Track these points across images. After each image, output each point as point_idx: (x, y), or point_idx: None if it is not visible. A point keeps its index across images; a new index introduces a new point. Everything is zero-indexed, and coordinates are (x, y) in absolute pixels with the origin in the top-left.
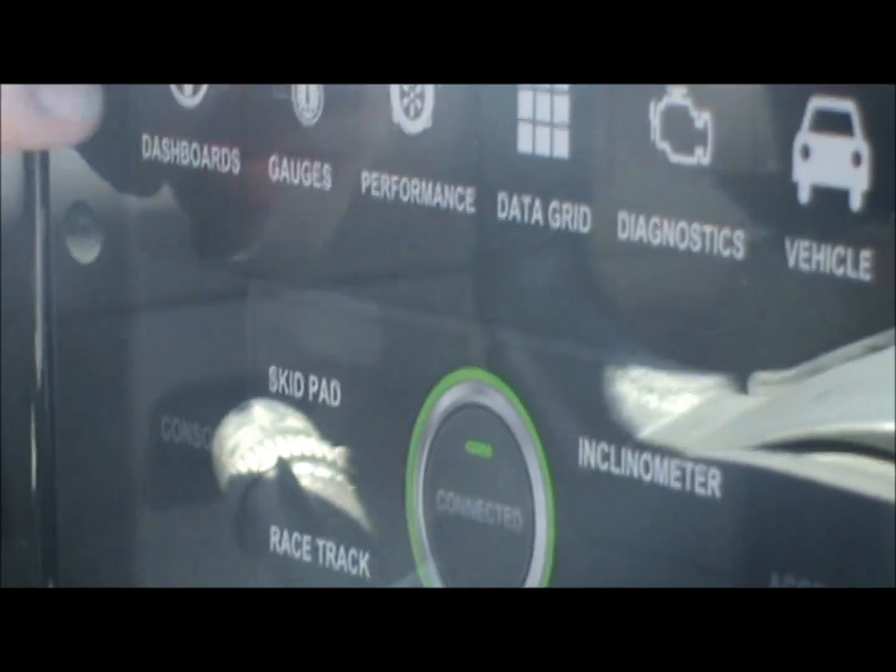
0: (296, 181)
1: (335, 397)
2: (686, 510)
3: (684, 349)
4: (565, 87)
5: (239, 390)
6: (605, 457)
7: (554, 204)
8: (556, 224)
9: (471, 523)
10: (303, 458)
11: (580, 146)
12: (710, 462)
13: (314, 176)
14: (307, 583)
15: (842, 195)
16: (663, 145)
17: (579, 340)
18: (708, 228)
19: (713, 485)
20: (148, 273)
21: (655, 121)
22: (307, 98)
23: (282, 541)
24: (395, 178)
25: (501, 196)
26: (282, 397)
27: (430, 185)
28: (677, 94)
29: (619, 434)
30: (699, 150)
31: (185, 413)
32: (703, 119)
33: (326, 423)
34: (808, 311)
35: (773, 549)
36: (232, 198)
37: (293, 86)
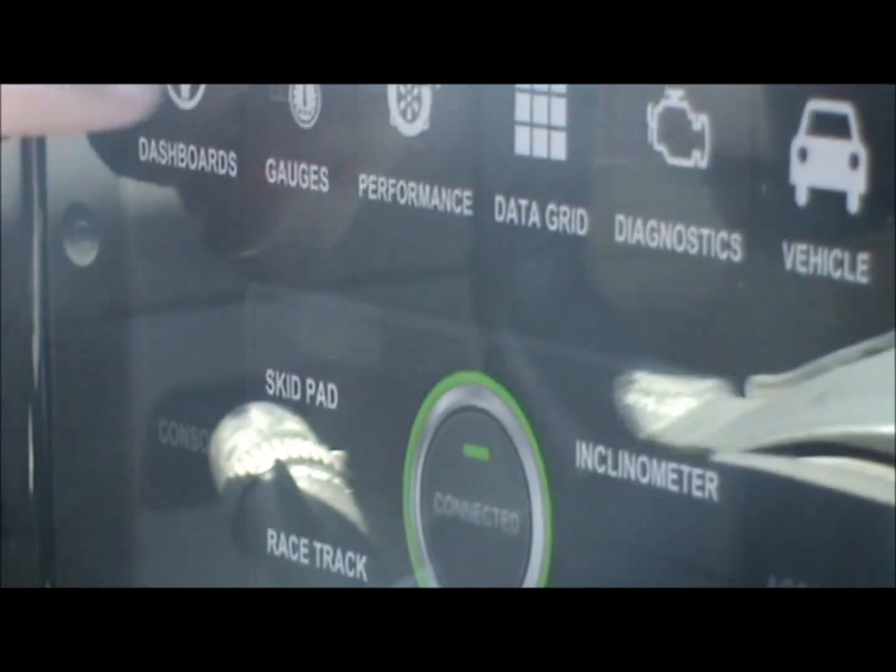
0: (293, 184)
1: (332, 400)
2: (683, 513)
3: (682, 352)
4: (562, 89)
5: (236, 393)
6: (602, 459)
7: (551, 206)
8: (553, 226)
9: (468, 526)
10: (300, 461)
11: (577, 149)
12: (707, 465)
13: (312, 178)
14: (304, 585)
15: (839, 198)
16: (661, 148)
17: (576, 343)
18: (705, 231)
19: (710, 487)
20: (145, 276)
21: (653, 123)
22: (304, 101)
23: (279, 544)
24: (392, 180)
25: (499, 198)
26: (279, 400)
27: (427, 188)
28: (675, 96)
29: (616, 437)
30: (696, 153)
31: (183, 416)
32: (700, 121)
33: (324, 426)
34: (806, 313)
35: (771, 552)
36: (229, 200)
37: (290, 89)
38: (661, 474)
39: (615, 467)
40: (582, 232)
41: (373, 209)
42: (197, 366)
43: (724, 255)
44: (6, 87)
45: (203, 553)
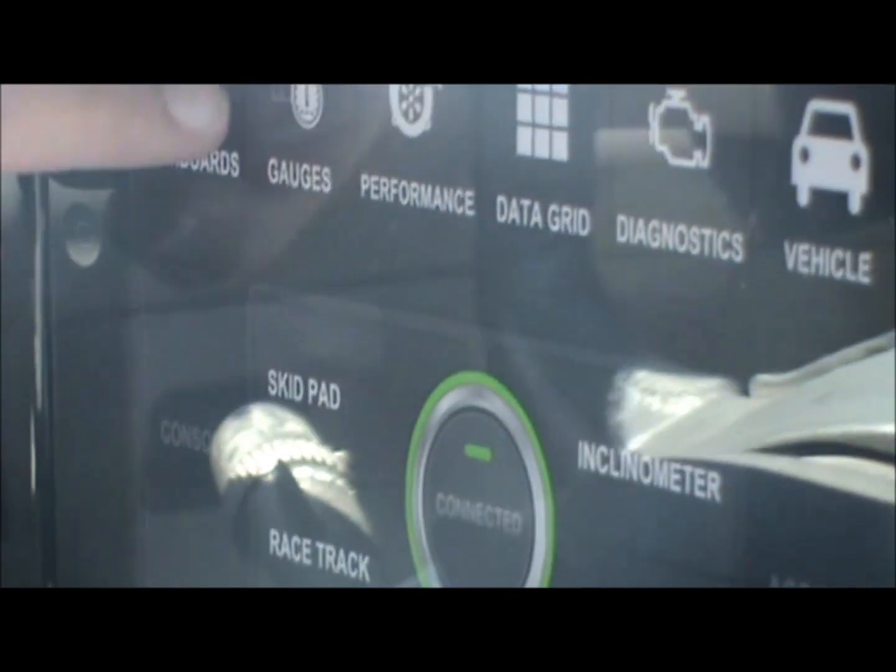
0: (295, 184)
1: (334, 401)
2: (686, 513)
3: (685, 352)
4: (564, 89)
5: (238, 394)
6: (605, 460)
7: (553, 207)
8: (555, 227)
9: (470, 527)
10: (302, 461)
11: (579, 149)
12: (710, 465)
13: (314, 179)
14: (307, 586)
15: (841, 198)
16: (662, 148)
17: (579, 344)
18: (707, 231)
19: (713, 488)
20: (147, 276)
21: (654, 123)
22: (306, 101)
23: (281, 544)
24: (394, 181)
25: (501, 199)
26: (281, 401)
27: (429, 188)
28: (676, 97)
29: (619, 437)
30: (698, 153)
31: (185, 417)
32: (702, 122)
33: (326, 427)
34: (808, 313)
35: (774, 552)
36: (230, 201)
37: (292, 89)
38: (664, 475)
39: (617, 468)
40: (584, 232)
41: (374, 210)
42: (199, 366)
43: (725, 256)
44: (65, 117)
45: (205, 554)
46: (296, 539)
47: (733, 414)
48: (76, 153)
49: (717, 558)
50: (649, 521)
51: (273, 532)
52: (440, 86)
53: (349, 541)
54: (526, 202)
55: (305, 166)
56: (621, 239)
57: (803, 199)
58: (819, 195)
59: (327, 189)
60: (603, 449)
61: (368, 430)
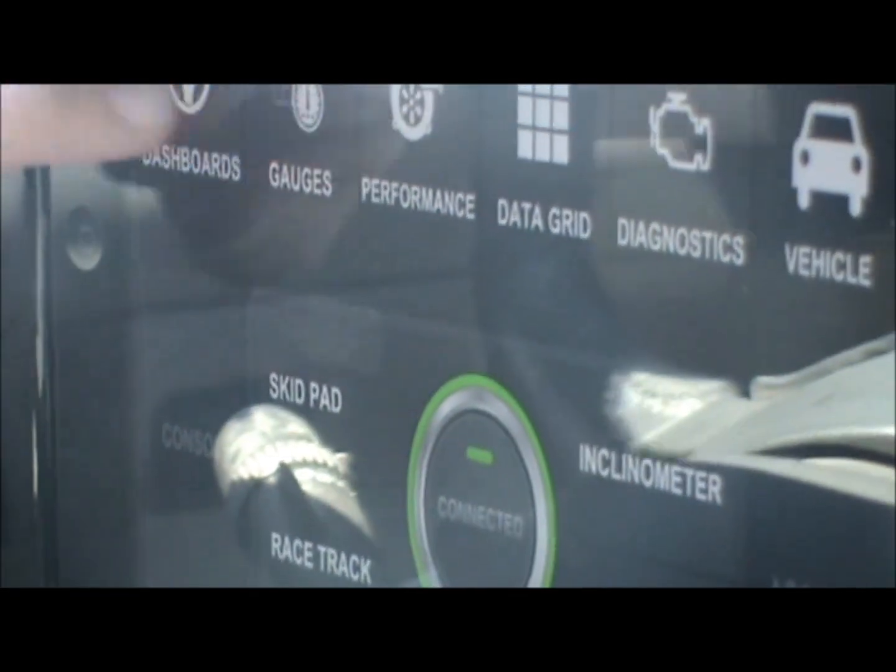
0: (296, 188)
1: (336, 404)
2: (687, 516)
3: (686, 354)
4: (565, 92)
5: (240, 397)
6: (606, 463)
7: (554, 210)
8: (556, 230)
9: (472, 530)
10: (304, 464)
11: (580, 152)
12: (711, 467)
13: (315, 182)
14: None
15: (842, 201)
16: (663, 151)
17: (580, 346)
18: (708, 234)
19: (714, 490)
20: (148, 280)
21: (655, 126)
22: (307, 105)
23: (283, 547)
24: (395, 184)
25: (501, 202)
26: (283, 404)
27: (430, 192)
28: (677, 100)
29: (620, 440)
30: (699, 156)
31: (186, 420)
32: (702, 125)
33: (327, 430)
34: (809, 316)
35: (775, 554)
36: (232, 204)
37: (293, 93)
38: (665, 477)
39: (619, 470)
40: (585, 235)
41: (375, 213)
42: (200, 369)
43: (726, 258)
44: (9, 114)
45: (207, 557)
46: (297, 542)
47: (734, 416)
48: (17, 150)
49: (718, 561)
50: (651, 524)
51: (275, 535)
52: (441, 89)
53: (351, 543)
54: (527, 205)
55: (306, 170)
56: (622, 242)
57: (804, 201)
58: (819, 198)
59: (328, 193)
60: (604, 452)
61: (370, 433)
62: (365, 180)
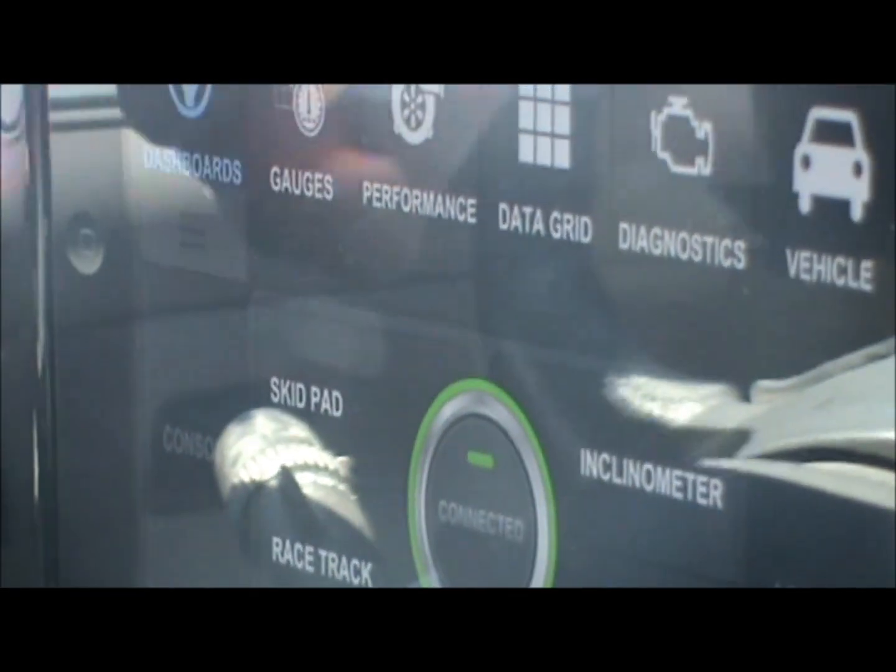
0: (297, 192)
1: (337, 408)
2: (688, 520)
3: (686, 358)
4: (566, 97)
5: (241, 401)
6: (607, 467)
7: (555, 214)
8: (557, 234)
9: (472, 534)
10: (305, 467)
11: (581, 156)
12: (712, 471)
13: (316, 186)
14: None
15: (843, 205)
16: (664, 155)
17: (581, 350)
18: (709, 238)
19: (715, 495)
20: (149, 283)
21: (656, 131)
22: (308, 109)
23: (284, 551)
24: (396, 188)
25: (503, 206)
26: (283, 408)
27: (431, 196)
28: (678, 104)
29: (621, 444)
30: (700, 161)
31: (187, 423)
32: (703, 129)
33: (328, 433)
34: (810, 320)
35: (776, 558)
36: (234, 208)
37: (294, 98)
38: (666, 481)
39: (620, 475)
40: (586, 239)
41: (376, 217)
42: (201, 373)
43: (727, 263)
44: None
45: (207, 560)
46: (298, 546)
47: (734, 420)
48: None
49: (719, 564)
50: (651, 528)
51: (275, 539)
52: (442, 94)
53: (351, 547)
54: (528, 209)
55: (308, 174)
56: (623, 246)
57: (805, 206)
58: (821, 202)
59: (329, 196)
60: (605, 456)
61: (371, 437)
62: (366, 184)
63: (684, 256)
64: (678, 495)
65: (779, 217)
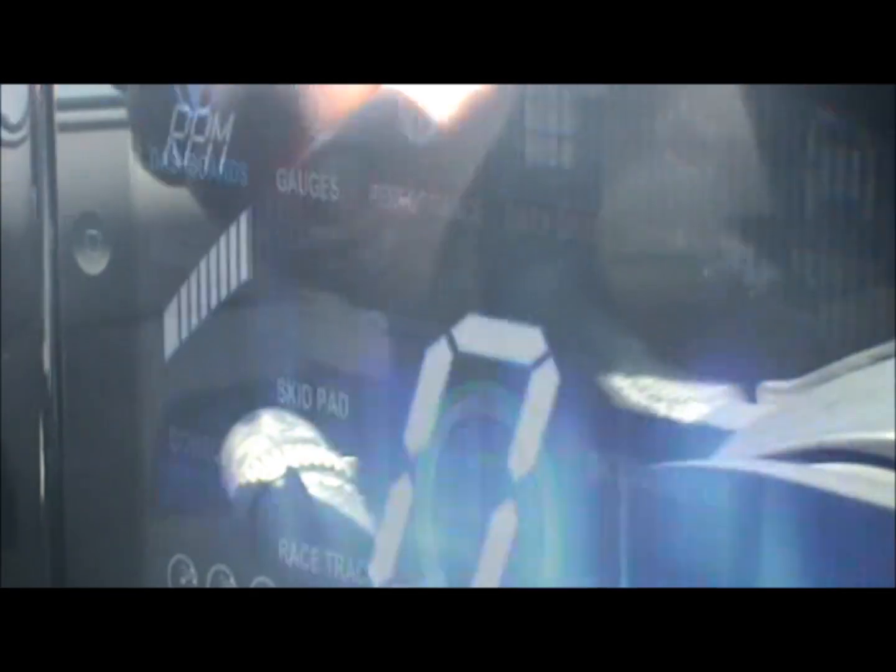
0: (303, 193)
1: (344, 409)
2: (694, 520)
3: (692, 358)
4: (572, 98)
5: (247, 401)
6: (612, 469)
7: (561, 214)
8: (563, 234)
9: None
10: (311, 467)
11: (586, 156)
12: (717, 472)
13: (322, 188)
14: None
15: (849, 206)
16: (670, 156)
17: (586, 350)
18: (714, 238)
19: (721, 495)
20: (156, 284)
21: (662, 132)
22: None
23: (290, 552)
24: (402, 189)
25: (509, 207)
26: (290, 408)
27: (437, 196)
28: (684, 105)
29: (626, 444)
30: (704, 161)
31: (193, 425)
32: (709, 131)
33: (335, 434)
34: (815, 320)
35: (780, 559)
36: (241, 210)
37: (299, 98)
38: (671, 482)
39: (625, 475)
40: (592, 239)
41: (383, 217)
42: (208, 374)
43: (734, 263)
44: None
45: (214, 561)
46: (304, 547)
47: (740, 421)
48: None
49: (722, 565)
50: (656, 529)
51: (282, 540)
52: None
53: (358, 548)
54: (534, 209)
55: (314, 175)
56: (630, 246)
57: (811, 206)
58: (826, 203)
59: (335, 197)
60: (609, 457)
61: (376, 439)
62: (373, 185)
63: (690, 256)
64: (683, 496)
65: (785, 217)
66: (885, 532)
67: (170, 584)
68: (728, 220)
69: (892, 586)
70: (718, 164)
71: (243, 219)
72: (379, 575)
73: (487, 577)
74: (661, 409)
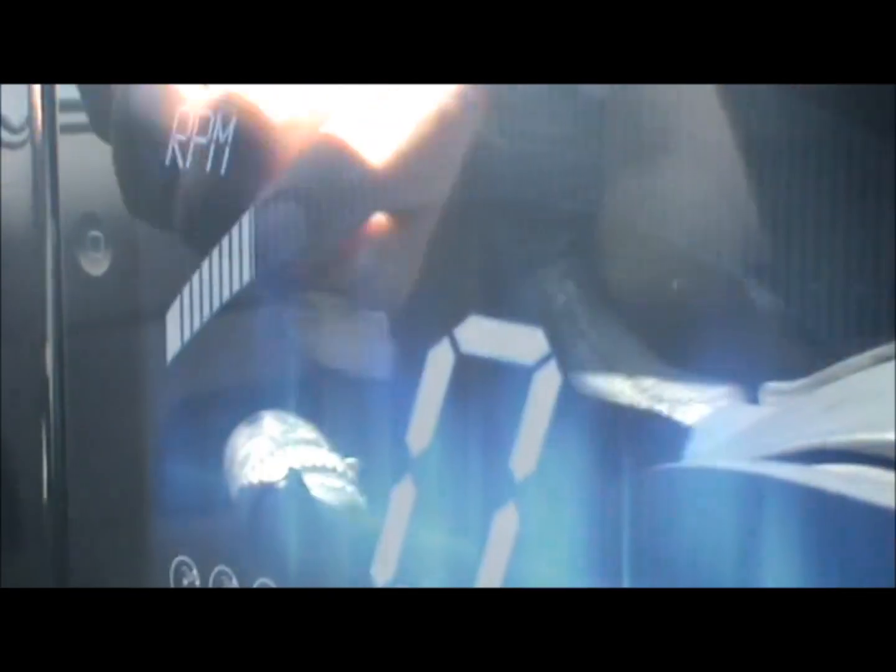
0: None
1: (346, 410)
2: (696, 521)
3: (694, 359)
4: (572, 98)
5: (250, 402)
6: (615, 469)
7: (563, 214)
8: (566, 235)
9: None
10: (313, 469)
11: (588, 154)
12: (719, 473)
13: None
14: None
15: (849, 206)
16: (671, 156)
17: (588, 350)
18: (717, 239)
19: (722, 495)
20: (158, 284)
21: (663, 132)
22: None
23: (292, 553)
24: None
25: (509, 207)
26: (292, 410)
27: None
28: (684, 105)
29: (629, 445)
30: (704, 161)
31: (196, 425)
32: (709, 131)
33: (337, 435)
34: (817, 321)
35: (782, 559)
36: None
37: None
38: (674, 482)
39: (627, 476)
40: (595, 239)
41: (384, 217)
42: (210, 375)
43: (735, 263)
44: None
45: (216, 562)
46: (307, 548)
47: (742, 422)
48: None
49: (725, 566)
50: (659, 528)
51: (284, 542)
52: None
53: (359, 548)
54: (535, 210)
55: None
56: (633, 246)
57: (811, 206)
58: (826, 205)
59: (335, 197)
60: (611, 458)
61: (379, 440)
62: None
63: (694, 256)
64: (685, 496)
65: (786, 217)
66: (886, 532)
67: (172, 585)
68: (729, 221)
69: (893, 586)
70: (719, 164)
71: (245, 220)
72: (382, 575)
73: (490, 577)
74: (663, 410)
